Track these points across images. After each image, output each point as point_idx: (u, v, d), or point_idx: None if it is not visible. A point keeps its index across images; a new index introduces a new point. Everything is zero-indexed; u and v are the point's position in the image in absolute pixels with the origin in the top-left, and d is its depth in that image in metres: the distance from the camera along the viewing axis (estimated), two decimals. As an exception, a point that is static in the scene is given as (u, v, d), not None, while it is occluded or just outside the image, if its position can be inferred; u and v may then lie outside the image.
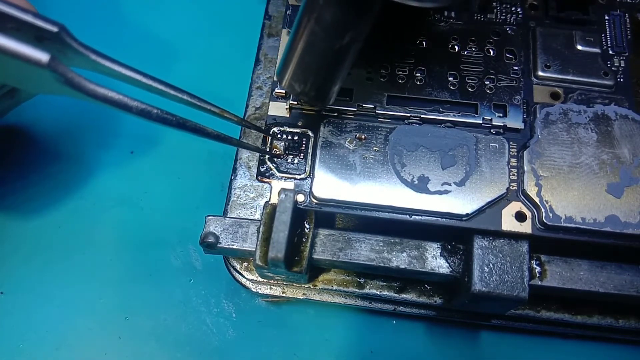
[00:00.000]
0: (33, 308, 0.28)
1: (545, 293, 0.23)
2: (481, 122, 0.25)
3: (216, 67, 0.34)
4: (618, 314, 0.25)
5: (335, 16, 0.20)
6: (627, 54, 0.26)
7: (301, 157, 0.25)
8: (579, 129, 0.24)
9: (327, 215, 0.25)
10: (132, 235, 0.30)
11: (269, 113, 0.26)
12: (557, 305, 0.25)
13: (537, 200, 0.23)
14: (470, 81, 0.25)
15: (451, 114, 0.25)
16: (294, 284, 0.26)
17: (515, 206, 0.23)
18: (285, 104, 0.26)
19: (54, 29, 0.18)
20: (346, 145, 0.24)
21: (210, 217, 0.24)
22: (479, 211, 0.23)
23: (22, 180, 0.31)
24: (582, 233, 0.23)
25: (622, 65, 0.26)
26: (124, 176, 0.31)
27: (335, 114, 0.25)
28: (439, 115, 0.25)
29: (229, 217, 0.24)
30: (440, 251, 0.23)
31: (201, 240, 0.23)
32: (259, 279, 0.26)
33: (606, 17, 0.27)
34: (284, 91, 0.26)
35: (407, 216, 0.23)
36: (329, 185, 0.23)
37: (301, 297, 0.26)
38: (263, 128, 0.25)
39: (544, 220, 0.23)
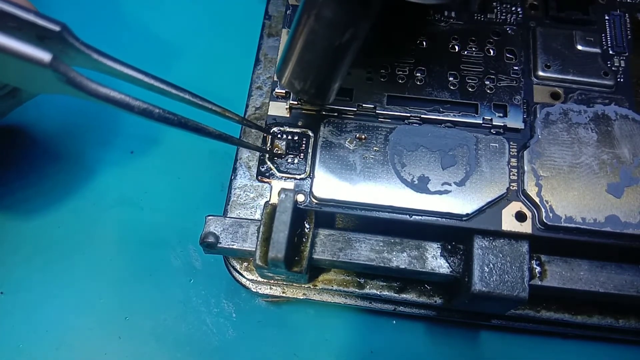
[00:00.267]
0: (33, 308, 0.28)
1: (545, 293, 0.23)
2: (481, 122, 0.25)
3: (216, 67, 0.34)
4: (618, 314, 0.25)
5: (336, 13, 0.19)
6: (627, 54, 0.26)
7: (301, 157, 0.25)
8: (579, 129, 0.24)
9: (327, 215, 0.25)
10: (132, 235, 0.30)
11: (269, 113, 0.26)
12: (557, 305, 0.25)
13: (537, 200, 0.23)
14: (470, 81, 0.25)
15: (451, 114, 0.25)
16: (294, 284, 0.26)
17: (516, 206, 0.23)
18: (285, 104, 0.26)
19: (56, 28, 0.18)
20: (346, 145, 0.24)
21: (210, 217, 0.24)
22: (479, 211, 0.23)
23: (23, 180, 0.31)
24: (582, 233, 0.23)
25: (622, 65, 0.26)
26: (124, 176, 0.31)
27: (335, 114, 0.25)
28: (439, 115, 0.25)
29: (229, 217, 0.24)
30: (440, 251, 0.23)
31: (201, 240, 0.23)
32: (259, 279, 0.26)
33: (606, 17, 0.27)
34: (284, 91, 0.26)
35: (407, 216, 0.23)
36: (329, 185, 0.23)
37: (301, 297, 0.26)
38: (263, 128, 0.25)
39: (544, 220, 0.23)
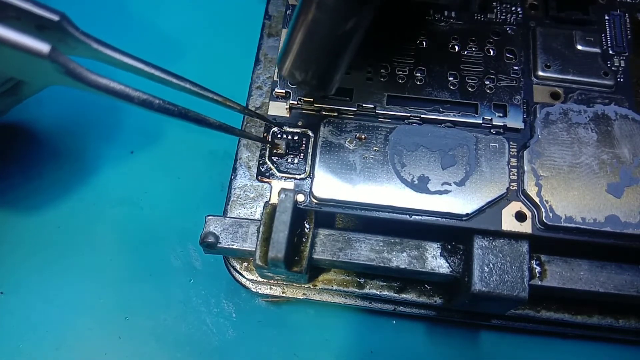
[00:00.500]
0: (33, 308, 0.28)
1: (545, 293, 0.23)
2: (481, 122, 0.25)
3: (216, 67, 0.34)
4: (618, 314, 0.25)
5: (338, 1, 0.19)
6: (627, 53, 0.26)
7: (301, 157, 0.25)
8: (579, 129, 0.24)
9: (327, 215, 0.25)
10: (132, 235, 0.30)
11: (269, 113, 0.26)
12: (557, 305, 0.25)
13: (537, 200, 0.23)
14: (470, 81, 0.25)
15: (451, 114, 0.25)
16: (294, 284, 0.26)
17: (515, 206, 0.23)
18: (285, 103, 0.26)
19: (55, 17, 0.17)
20: (346, 145, 0.24)
21: (210, 217, 0.24)
22: (479, 211, 0.23)
23: (22, 179, 0.31)
24: (582, 233, 0.23)
25: (622, 65, 0.26)
26: (124, 176, 0.31)
27: (335, 114, 0.25)
28: (439, 115, 0.25)
29: (229, 217, 0.24)
30: (440, 251, 0.23)
31: (201, 240, 0.23)
32: (259, 279, 0.26)
33: (606, 17, 0.27)
34: (283, 91, 0.26)
35: (407, 216, 0.23)
36: (329, 185, 0.23)
37: (301, 297, 0.26)
38: (263, 123, 0.25)
39: (544, 220, 0.23)
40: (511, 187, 0.23)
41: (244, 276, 0.26)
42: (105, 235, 0.30)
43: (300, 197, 0.24)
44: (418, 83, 0.25)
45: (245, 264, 0.26)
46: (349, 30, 0.20)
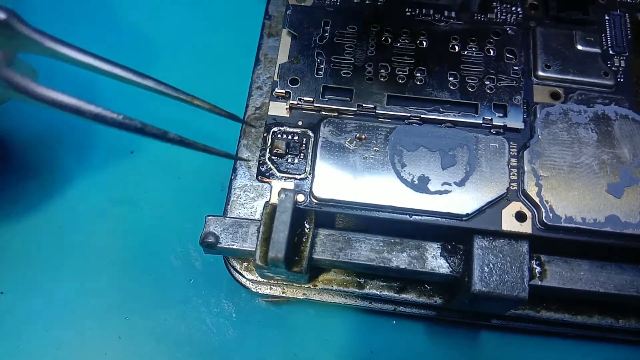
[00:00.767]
0: (33, 308, 0.28)
1: (545, 293, 0.23)
2: (481, 122, 0.25)
3: (216, 67, 0.34)
4: (618, 314, 0.25)
5: None
6: (627, 53, 0.26)
7: (301, 157, 0.25)
8: (579, 129, 0.24)
9: (327, 215, 0.25)
10: (132, 235, 0.30)
11: (269, 113, 0.26)
12: (557, 305, 0.25)
13: (537, 200, 0.23)
14: (470, 81, 0.25)
15: (451, 114, 0.25)
16: (294, 284, 0.26)
17: (516, 206, 0.23)
18: (285, 103, 0.26)
19: (1, 16, 0.16)
20: (346, 145, 0.24)
21: (210, 217, 0.24)
22: (479, 211, 0.23)
23: (22, 177, 0.31)
24: (582, 233, 0.23)
25: (622, 65, 0.26)
26: (124, 176, 0.31)
27: (335, 114, 0.25)
28: (439, 115, 0.25)
29: (229, 217, 0.24)
30: (440, 251, 0.23)
31: (201, 240, 0.23)
32: (259, 279, 0.26)
33: (606, 17, 0.27)
34: (283, 91, 0.26)
35: (407, 216, 0.23)
36: (329, 185, 0.23)
37: (301, 297, 0.26)
38: (253, 124, 0.25)
39: (544, 220, 0.23)
40: (511, 187, 0.23)
41: (244, 276, 0.26)
42: (105, 235, 0.30)
43: (300, 197, 0.24)
44: (418, 83, 0.25)
45: (245, 264, 0.26)
46: None
